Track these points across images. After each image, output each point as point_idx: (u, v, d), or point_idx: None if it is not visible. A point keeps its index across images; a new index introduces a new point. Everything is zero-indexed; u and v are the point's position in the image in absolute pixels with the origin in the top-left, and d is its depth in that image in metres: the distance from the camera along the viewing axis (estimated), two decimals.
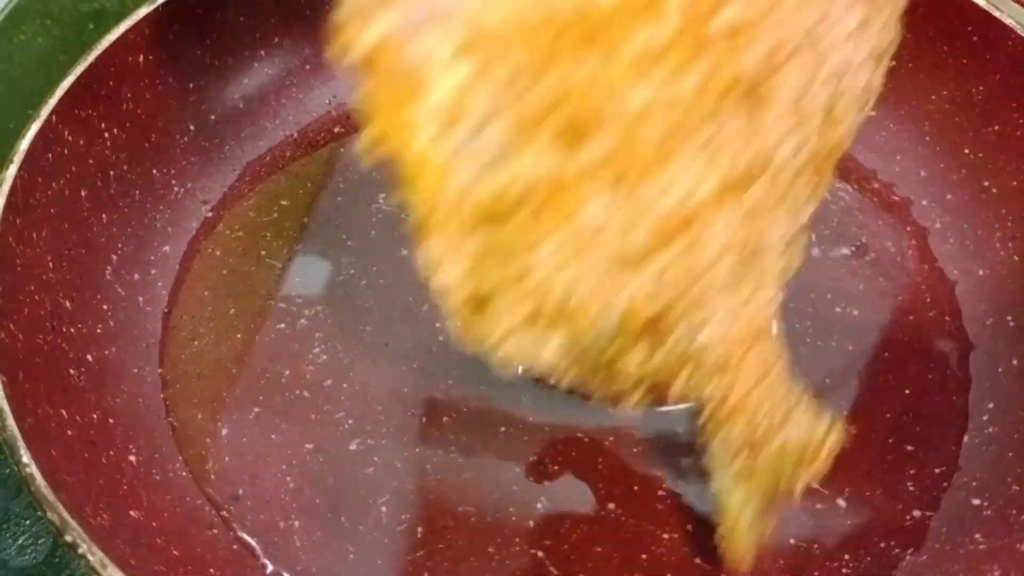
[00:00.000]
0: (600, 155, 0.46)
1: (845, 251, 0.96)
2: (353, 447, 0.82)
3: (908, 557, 0.79)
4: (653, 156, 0.48)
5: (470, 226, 0.46)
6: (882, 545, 0.79)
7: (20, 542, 0.87)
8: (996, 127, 0.97)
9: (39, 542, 0.87)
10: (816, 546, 0.79)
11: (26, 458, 0.68)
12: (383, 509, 0.79)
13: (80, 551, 0.65)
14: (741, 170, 0.52)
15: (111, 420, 0.80)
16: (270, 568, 0.77)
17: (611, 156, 0.46)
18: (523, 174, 0.45)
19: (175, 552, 0.74)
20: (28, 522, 0.87)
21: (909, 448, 0.84)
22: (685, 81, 0.46)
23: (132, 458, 0.79)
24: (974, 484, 0.82)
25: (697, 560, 0.78)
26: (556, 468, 0.81)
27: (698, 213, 0.51)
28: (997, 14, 0.96)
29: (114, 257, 0.87)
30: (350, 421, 0.84)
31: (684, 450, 0.82)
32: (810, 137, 0.56)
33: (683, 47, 0.45)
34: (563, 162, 0.46)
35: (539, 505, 0.80)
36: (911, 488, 0.82)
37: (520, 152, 0.44)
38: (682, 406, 0.84)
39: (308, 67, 1.07)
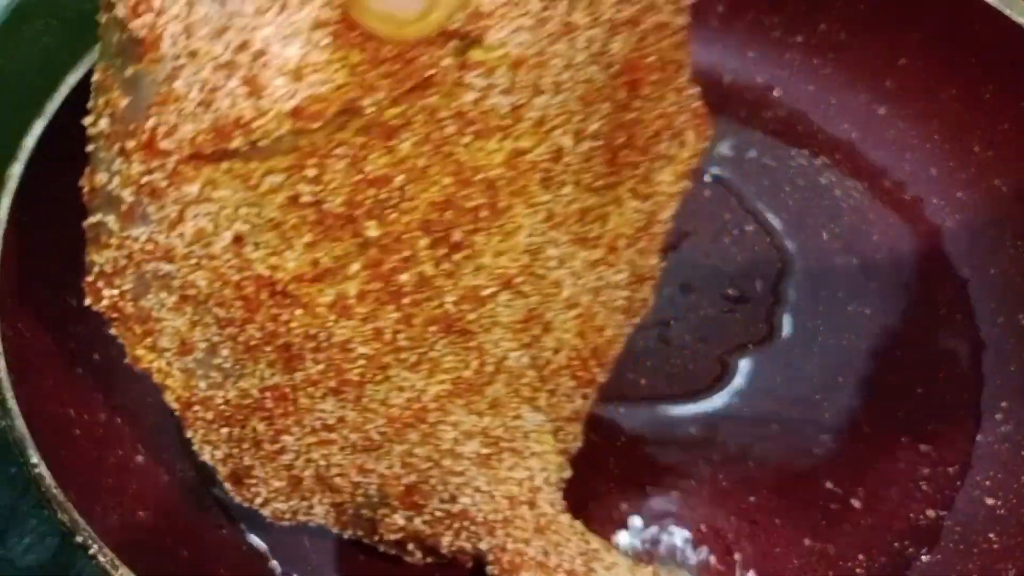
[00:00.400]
0: (316, 372, 0.57)
1: (856, 250, 0.95)
2: None
3: (922, 557, 0.78)
4: (366, 371, 0.58)
5: (218, 423, 0.59)
6: (896, 545, 0.79)
7: (27, 541, 0.86)
8: (1006, 125, 0.97)
9: (45, 541, 0.86)
10: (830, 546, 0.78)
11: (35, 458, 0.67)
12: None
13: (91, 552, 0.64)
14: (470, 376, 0.61)
15: (119, 419, 0.80)
16: (279, 570, 0.76)
17: (326, 372, 0.57)
18: (251, 387, 0.57)
19: (184, 553, 0.73)
20: (35, 521, 0.87)
21: (922, 447, 0.83)
22: (382, 320, 0.57)
23: (140, 458, 0.79)
24: (988, 483, 0.82)
25: (712, 559, 0.78)
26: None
27: (429, 410, 0.61)
28: (1007, 12, 0.95)
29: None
30: None
31: (690, 450, 0.82)
32: (565, 344, 0.64)
33: (373, 298, 0.56)
34: (285, 378, 0.57)
35: None
36: (924, 488, 0.81)
37: (246, 371, 0.57)
38: (693, 407, 0.85)
39: None
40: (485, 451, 0.64)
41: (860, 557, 0.78)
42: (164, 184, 0.50)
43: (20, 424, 0.68)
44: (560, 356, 0.65)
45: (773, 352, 0.88)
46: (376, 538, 0.68)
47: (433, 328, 0.59)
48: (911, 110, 1.03)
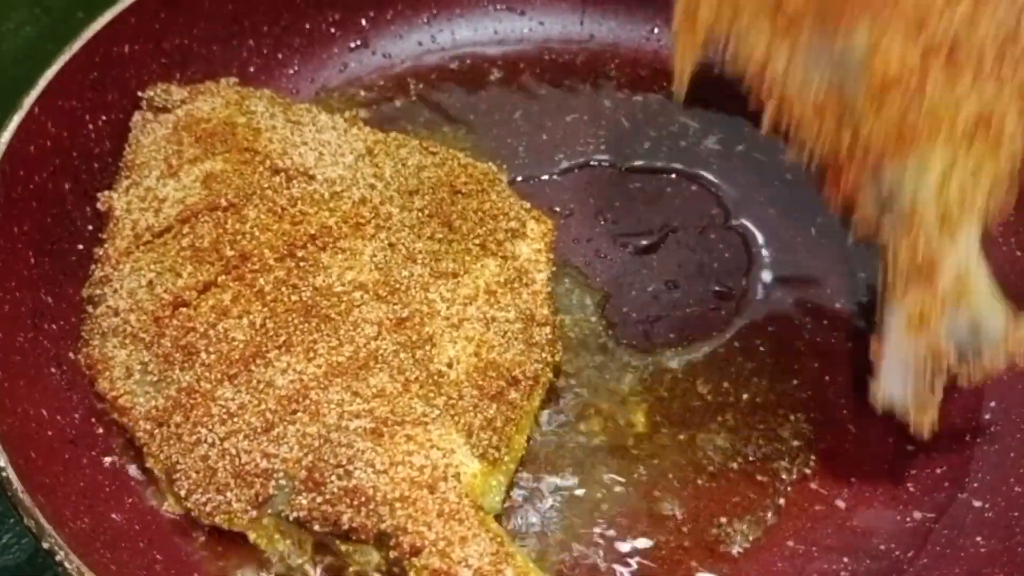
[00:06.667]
0: (211, 360, 0.77)
1: (847, 244, 0.94)
2: None
3: (909, 560, 0.77)
4: (246, 352, 0.77)
5: (154, 429, 0.76)
6: (882, 548, 0.78)
7: (3, 541, 0.85)
8: None
9: (22, 541, 0.85)
10: (814, 548, 0.77)
11: (2, 461, 0.67)
12: None
13: (57, 558, 0.63)
14: (345, 362, 0.77)
15: (93, 420, 0.79)
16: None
17: (217, 360, 0.77)
18: (172, 390, 0.77)
19: (158, 556, 0.72)
20: (12, 521, 0.86)
21: (910, 448, 0.82)
22: (252, 313, 0.79)
23: (114, 459, 0.78)
24: (976, 485, 0.81)
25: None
26: None
27: (310, 388, 0.76)
28: None
29: (98, 250, 0.85)
30: None
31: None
32: (459, 360, 0.79)
33: (242, 298, 0.80)
34: (192, 376, 0.77)
35: None
36: (912, 489, 0.80)
37: (167, 379, 0.77)
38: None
39: (297, 55, 1.05)
40: (371, 426, 0.74)
41: (844, 560, 0.77)
42: (112, 272, 0.83)
43: None
44: (456, 371, 0.79)
45: (758, 348, 0.87)
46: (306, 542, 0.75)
47: (293, 314, 0.80)
48: None
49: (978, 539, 0.77)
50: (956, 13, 0.67)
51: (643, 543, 0.78)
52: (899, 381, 0.75)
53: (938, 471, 0.82)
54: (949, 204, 0.72)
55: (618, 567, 0.77)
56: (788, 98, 0.73)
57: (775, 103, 0.74)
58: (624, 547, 0.77)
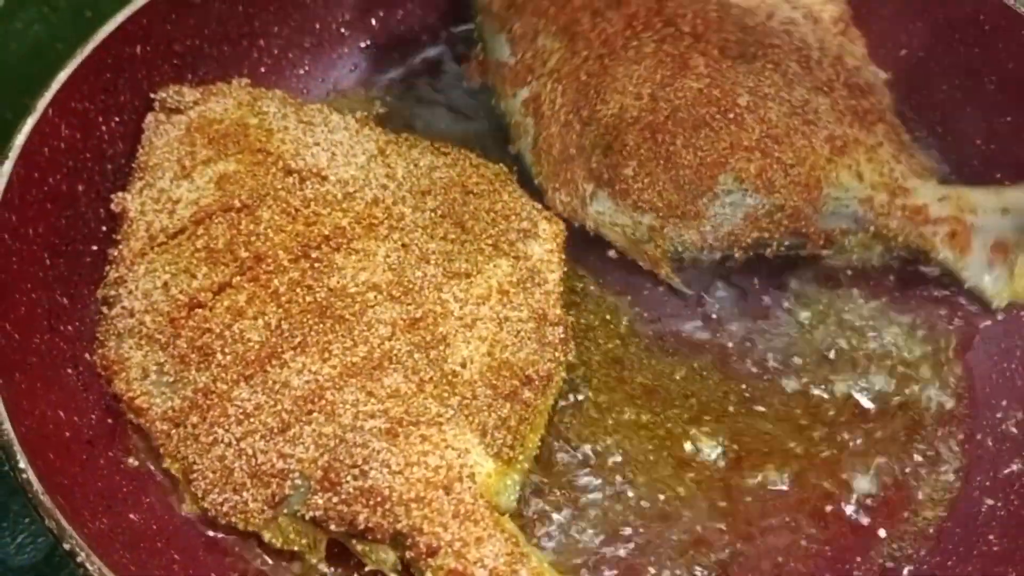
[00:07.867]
0: (227, 361, 0.78)
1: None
2: None
3: (921, 559, 0.78)
4: (261, 352, 0.78)
5: (171, 430, 0.77)
6: (895, 547, 0.78)
7: (19, 540, 0.85)
8: (1009, 118, 0.95)
9: (38, 540, 0.85)
10: (828, 548, 0.78)
11: (23, 463, 0.67)
12: None
13: (78, 560, 0.64)
14: (359, 361, 0.78)
15: (110, 420, 0.79)
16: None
17: (233, 361, 0.78)
18: (188, 391, 0.78)
19: (176, 556, 0.73)
20: (27, 520, 0.86)
21: (920, 447, 0.83)
22: (268, 314, 0.80)
23: (132, 459, 0.78)
24: (988, 484, 0.81)
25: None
26: None
27: (325, 389, 0.76)
28: (1010, 2, 0.94)
29: (113, 252, 0.85)
30: None
31: None
32: (473, 360, 0.79)
33: (257, 299, 0.81)
34: (208, 377, 0.78)
35: None
36: (923, 488, 0.81)
37: (183, 380, 0.78)
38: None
39: (308, 55, 1.06)
40: (386, 426, 0.75)
41: (858, 559, 0.78)
42: (127, 273, 0.84)
43: (7, 428, 0.68)
44: (470, 370, 0.80)
45: (774, 343, 0.88)
46: (317, 543, 0.77)
47: (308, 314, 0.80)
48: (911, 102, 1.02)
49: (991, 537, 0.78)
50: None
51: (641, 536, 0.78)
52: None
53: (949, 471, 0.82)
54: (882, 180, 0.89)
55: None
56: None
57: None
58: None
